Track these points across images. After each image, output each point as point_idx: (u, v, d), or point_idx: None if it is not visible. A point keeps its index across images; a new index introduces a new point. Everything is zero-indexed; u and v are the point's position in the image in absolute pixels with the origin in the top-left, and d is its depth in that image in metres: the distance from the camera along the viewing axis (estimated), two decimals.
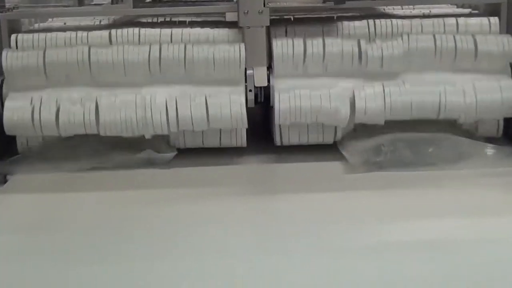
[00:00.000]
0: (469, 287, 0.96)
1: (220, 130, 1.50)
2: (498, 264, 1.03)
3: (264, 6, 1.49)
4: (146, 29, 1.54)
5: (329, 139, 1.51)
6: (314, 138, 1.53)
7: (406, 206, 1.31)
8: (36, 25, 1.74)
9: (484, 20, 1.58)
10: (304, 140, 1.53)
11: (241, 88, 1.45)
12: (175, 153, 1.43)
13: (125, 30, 1.53)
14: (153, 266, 1.03)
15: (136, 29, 1.52)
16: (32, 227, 1.22)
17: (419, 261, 1.03)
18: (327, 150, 1.55)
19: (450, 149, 1.46)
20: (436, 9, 1.82)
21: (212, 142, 1.52)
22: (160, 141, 1.45)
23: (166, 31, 1.53)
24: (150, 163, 1.41)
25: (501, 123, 1.53)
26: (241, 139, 1.51)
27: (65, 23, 1.68)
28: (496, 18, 1.59)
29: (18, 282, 0.98)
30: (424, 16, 1.65)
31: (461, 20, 1.58)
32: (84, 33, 1.53)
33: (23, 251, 1.09)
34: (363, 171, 1.38)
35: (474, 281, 0.97)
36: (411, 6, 1.87)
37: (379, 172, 1.45)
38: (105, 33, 1.53)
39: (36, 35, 1.54)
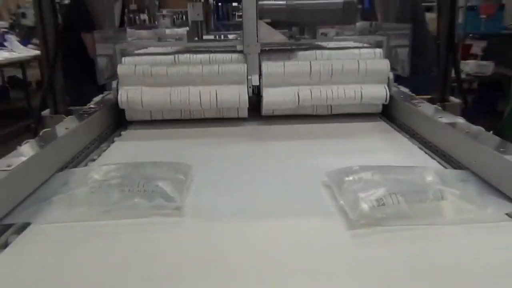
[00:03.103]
0: None
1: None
2: None
3: (257, 41, 2.14)
4: (196, 54, 2.26)
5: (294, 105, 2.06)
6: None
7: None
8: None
9: (373, 50, 2.29)
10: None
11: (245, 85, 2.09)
12: (181, 203, 1.33)
13: (187, 54, 2.27)
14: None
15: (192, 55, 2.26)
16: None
17: None
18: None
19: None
20: (346, 43, 2.53)
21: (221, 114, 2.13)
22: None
23: (206, 55, 2.25)
24: (161, 209, 1.30)
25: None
26: (243, 112, 2.15)
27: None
28: (380, 50, 2.30)
29: None
30: (341, 48, 2.35)
31: (361, 50, 2.30)
32: (165, 56, 2.26)
33: None
34: (366, 226, 1.17)
35: None
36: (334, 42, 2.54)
37: None
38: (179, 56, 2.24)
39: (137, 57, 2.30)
